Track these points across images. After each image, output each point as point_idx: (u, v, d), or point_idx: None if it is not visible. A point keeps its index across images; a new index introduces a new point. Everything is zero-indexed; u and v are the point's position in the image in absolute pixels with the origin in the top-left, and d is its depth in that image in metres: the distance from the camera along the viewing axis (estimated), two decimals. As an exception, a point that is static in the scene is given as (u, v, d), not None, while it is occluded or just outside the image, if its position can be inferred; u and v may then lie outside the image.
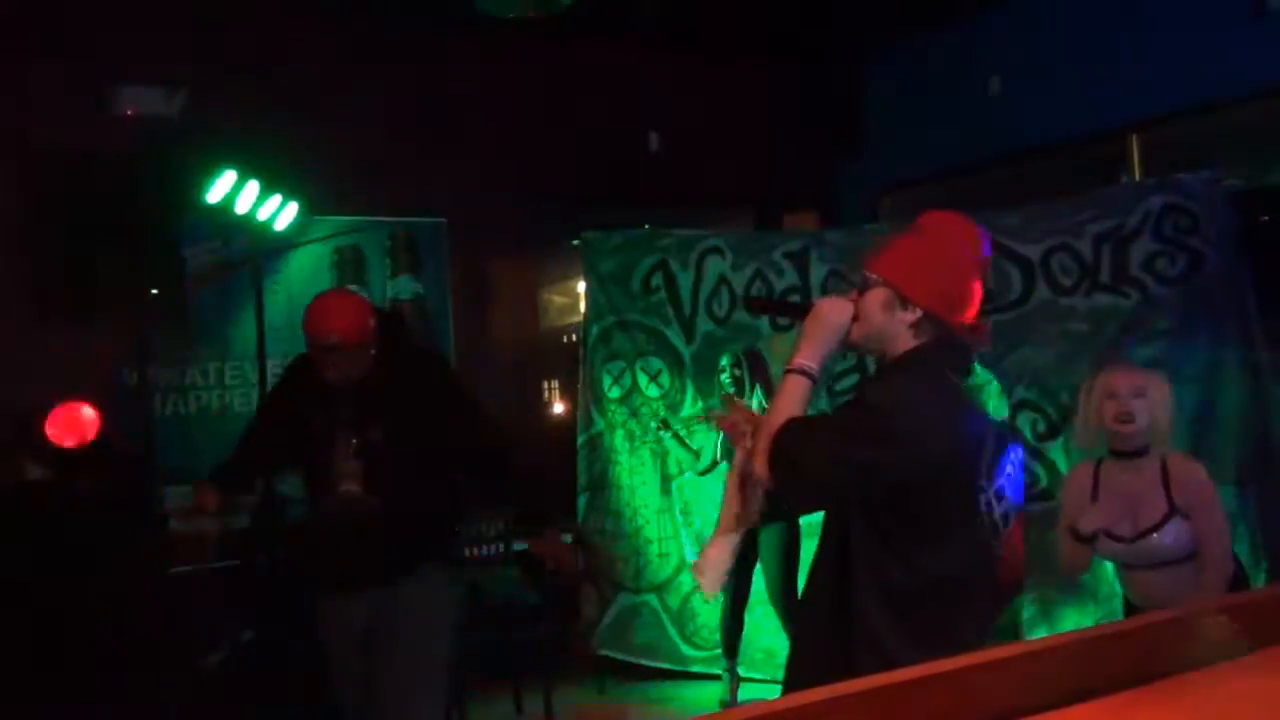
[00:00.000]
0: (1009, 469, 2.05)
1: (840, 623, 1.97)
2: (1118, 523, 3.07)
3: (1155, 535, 3.02)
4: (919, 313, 2.02)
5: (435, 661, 3.24)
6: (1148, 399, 3.07)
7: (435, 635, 3.23)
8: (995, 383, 2.14)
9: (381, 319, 3.23)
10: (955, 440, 1.97)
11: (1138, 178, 5.45)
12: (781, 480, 2.00)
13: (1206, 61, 4.97)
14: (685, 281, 5.39)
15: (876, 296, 2.06)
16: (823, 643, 2.02)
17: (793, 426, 1.99)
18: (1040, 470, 4.44)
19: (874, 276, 2.08)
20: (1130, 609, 3.24)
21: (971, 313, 2.08)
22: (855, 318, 2.07)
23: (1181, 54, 5.08)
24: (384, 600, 3.17)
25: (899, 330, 2.04)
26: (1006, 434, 2.06)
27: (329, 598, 3.29)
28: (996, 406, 2.10)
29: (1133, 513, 3.07)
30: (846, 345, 2.12)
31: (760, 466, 2.01)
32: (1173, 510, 3.01)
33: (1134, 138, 5.54)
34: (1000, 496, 2.01)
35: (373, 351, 3.14)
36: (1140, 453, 3.08)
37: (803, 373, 2.05)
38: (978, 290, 2.10)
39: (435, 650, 3.24)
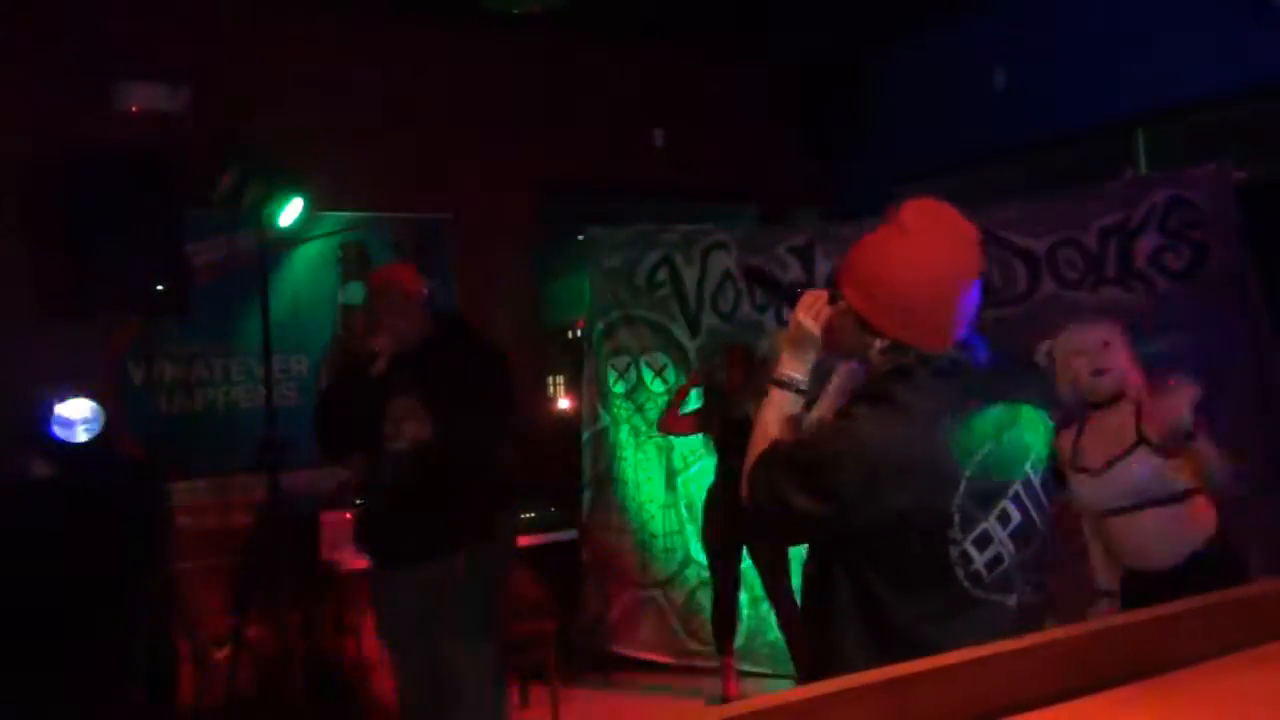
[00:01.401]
0: (1011, 510, 1.79)
1: (820, 642, 1.87)
2: (1091, 460, 3.13)
3: (1123, 462, 3.04)
4: (888, 340, 1.84)
5: (489, 637, 3.43)
6: (1113, 349, 3.15)
7: (487, 611, 3.41)
8: (1035, 412, 1.93)
9: (442, 316, 3.61)
10: (909, 496, 1.72)
11: (1143, 171, 5.43)
12: (750, 512, 1.89)
13: (1212, 55, 4.95)
14: (690, 276, 5.39)
15: (846, 318, 1.88)
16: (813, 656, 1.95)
17: (766, 457, 1.86)
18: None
19: (842, 299, 1.89)
20: (1131, 580, 3.20)
21: (956, 333, 1.87)
22: (826, 328, 1.92)
23: (1187, 47, 5.07)
24: (442, 572, 3.30)
25: (871, 354, 1.87)
26: (1005, 472, 1.79)
27: (387, 572, 3.47)
28: (1031, 441, 1.88)
29: (1104, 448, 3.11)
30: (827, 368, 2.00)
31: (744, 490, 1.90)
32: (1141, 439, 3.03)
33: (1139, 131, 5.53)
34: (987, 541, 1.76)
35: (417, 317, 3.43)
36: (1115, 399, 3.15)
37: (786, 384, 1.94)
38: (964, 306, 1.87)
39: (489, 627, 3.43)
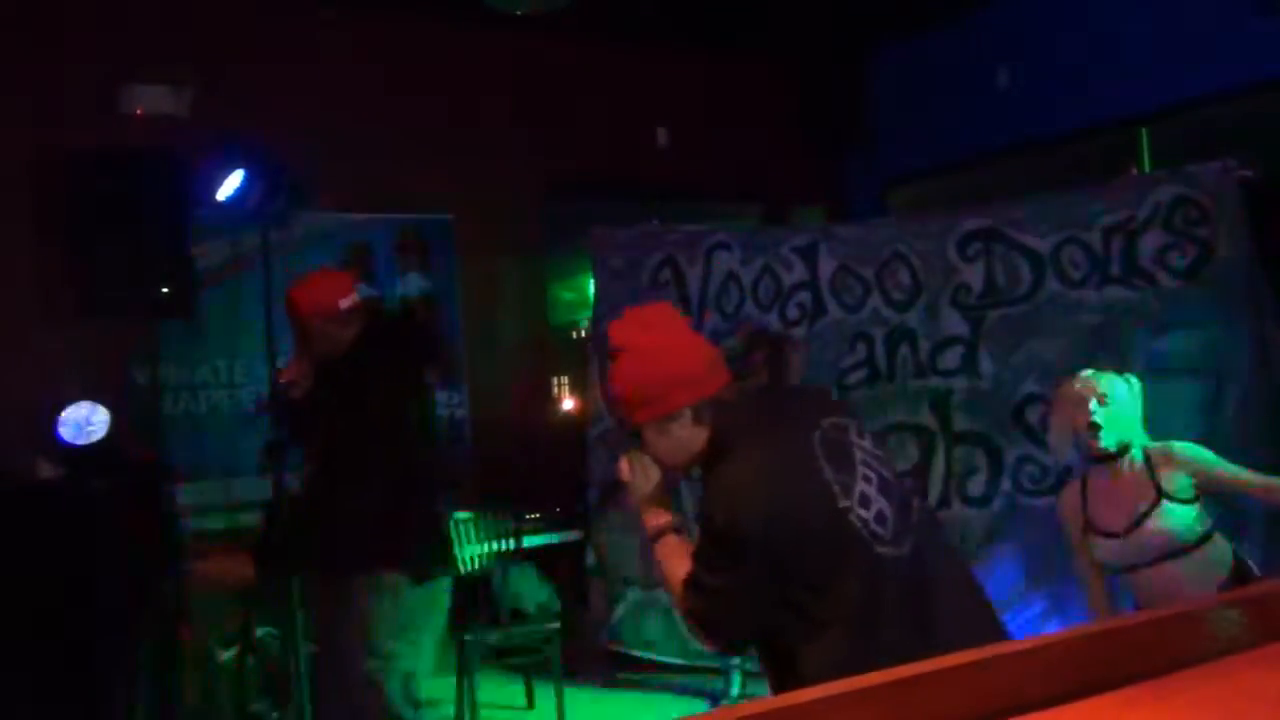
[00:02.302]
0: (866, 462, 2.01)
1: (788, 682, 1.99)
2: (1111, 523, 3.06)
3: (1149, 522, 3.00)
4: (685, 413, 2.04)
5: (355, 673, 3.16)
6: (1111, 403, 3.06)
7: (355, 646, 3.16)
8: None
9: (382, 310, 3.40)
10: (793, 505, 1.94)
11: (1148, 170, 5.42)
12: (708, 637, 2.06)
13: (1216, 52, 4.94)
14: (694, 277, 5.39)
15: (652, 438, 2.09)
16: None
17: (688, 589, 2.02)
18: (1050, 464, 4.42)
19: (633, 428, 2.12)
20: None
21: (723, 375, 2.09)
22: (663, 465, 2.13)
23: (1191, 45, 5.06)
24: (334, 594, 3.17)
25: (690, 436, 2.06)
26: (846, 430, 2.03)
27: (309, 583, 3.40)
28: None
29: (1124, 509, 3.05)
30: (677, 479, 2.22)
31: (695, 631, 2.06)
32: (1161, 495, 3.00)
33: (1144, 130, 5.52)
34: (867, 500, 1.96)
35: (351, 328, 3.23)
36: (1119, 454, 3.07)
37: (665, 530, 2.14)
38: (710, 354, 2.12)
39: (356, 663, 3.16)
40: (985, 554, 4.49)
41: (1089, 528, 3.13)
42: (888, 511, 1.96)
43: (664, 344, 2.07)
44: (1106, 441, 3.05)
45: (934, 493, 4.62)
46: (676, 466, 2.14)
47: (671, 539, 2.13)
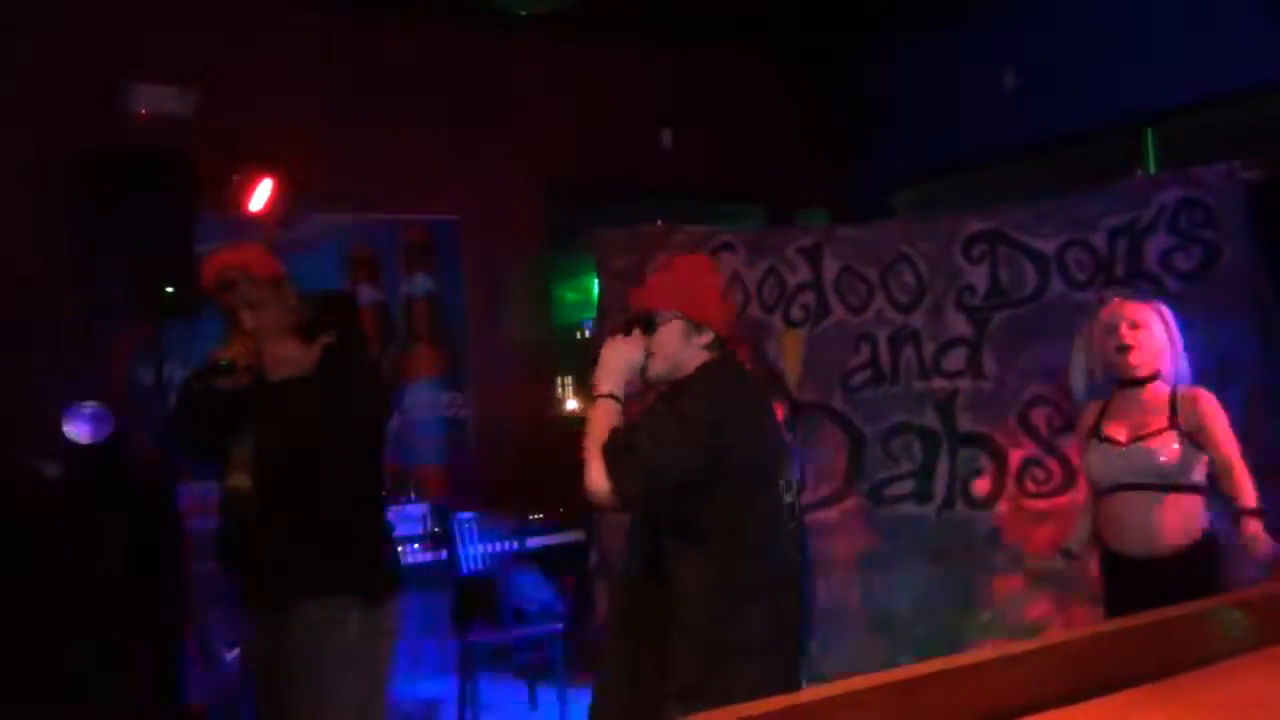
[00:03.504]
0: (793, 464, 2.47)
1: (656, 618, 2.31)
2: (1116, 433, 3.15)
3: (1151, 442, 3.06)
4: (710, 334, 2.38)
5: (345, 706, 2.73)
6: (1148, 330, 3.17)
7: (339, 676, 2.71)
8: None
9: (329, 298, 2.99)
10: (764, 444, 2.35)
11: (1153, 171, 5.41)
12: (617, 474, 2.23)
13: (1222, 53, 4.93)
14: (698, 278, 5.38)
15: (672, 330, 2.38)
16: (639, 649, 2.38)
17: (617, 433, 2.26)
18: (1055, 466, 4.42)
19: (665, 313, 2.39)
20: (1112, 561, 3.22)
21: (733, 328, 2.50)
22: (650, 353, 2.38)
23: (1196, 46, 5.05)
24: (281, 622, 2.72)
25: (694, 353, 2.38)
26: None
27: (241, 610, 2.90)
28: None
29: (1133, 423, 3.13)
30: (643, 381, 2.43)
31: (593, 481, 2.26)
32: (1173, 425, 3.06)
33: (1149, 131, 5.51)
34: (791, 485, 2.39)
35: (283, 300, 2.82)
36: (1148, 380, 3.16)
37: (610, 397, 2.35)
38: (732, 309, 2.56)
39: (343, 694, 2.72)
40: (989, 556, 4.48)
41: (1094, 433, 3.21)
42: (796, 510, 2.42)
43: (716, 277, 2.57)
44: (1136, 361, 3.14)
45: (938, 494, 4.61)
46: (660, 373, 2.38)
47: (614, 405, 2.32)
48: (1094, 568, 3.42)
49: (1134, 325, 3.17)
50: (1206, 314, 4.15)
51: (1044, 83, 5.80)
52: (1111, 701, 1.03)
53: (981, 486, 4.56)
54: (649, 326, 2.36)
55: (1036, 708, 1.00)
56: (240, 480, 2.72)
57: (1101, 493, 3.24)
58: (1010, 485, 4.50)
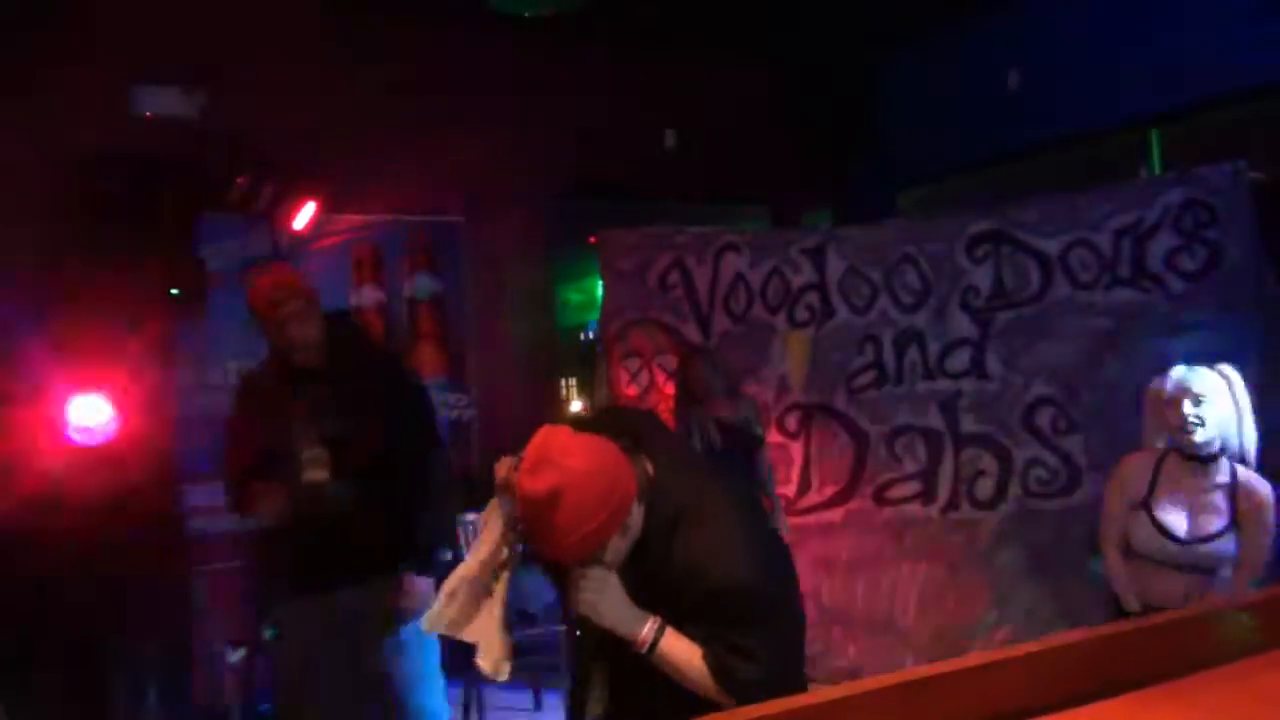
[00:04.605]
0: None
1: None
2: (1175, 523, 3.02)
3: (1216, 543, 2.95)
4: (634, 505, 1.90)
5: (431, 661, 3.14)
6: (1216, 404, 2.99)
7: (417, 642, 3.08)
8: None
9: (334, 316, 3.24)
10: (771, 551, 2.05)
11: (1157, 172, 5.41)
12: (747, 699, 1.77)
13: (1226, 54, 4.93)
14: (702, 278, 5.38)
15: (614, 545, 1.90)
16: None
17: (735, 663, 1.86)
18: (1059, 466, 4.42)
19: (601, 552, 1.90)
20: (1124, 614, 3.14)
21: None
22: (617, 559, 1.93)
23: (1200, 47, 5.04)
24: (361, 599, 3.04)
25: (639, 520, 1.92)
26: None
27: (300, 598, 3.11)
28: None
29: (1191, 515, 3.01)
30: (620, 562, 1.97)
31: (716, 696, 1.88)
32: (1232, 521, 2.96)
33: (1153, 132, 5.51)
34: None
35: (318, 314, 3.09)
36: (1209, 459, 3.01)
37: (660, 632, 1.91)
38: (625, 467, 1.93)
39: (428, 651, 3.13)
40: (993, 556, 4.48)
41: (1147, 507, 3.05)
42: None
43: (584, 456, 1.87)
44: (1200, 438, 2.97)
45: (942, 495, 4.61)
46: (623, 558, 1.94)
47: (670, 634, 1.91)
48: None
49: (1197, 401, 2.98)
50: (1210, 314, 4.16)
51: (1048, 83, 5.79)
52: (1118, 703, 1.03)
53: (985, 487, 4.56)
54: (596, 560, 1.92)
55: (1042, 709, 1.00)
56: (318, 474, 2.94)
57: (1139, 555, 3.11)
58: (1014, 486, 4.50)
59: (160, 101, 5.00)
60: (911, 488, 4.67)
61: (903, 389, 4.76)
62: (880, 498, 4.71)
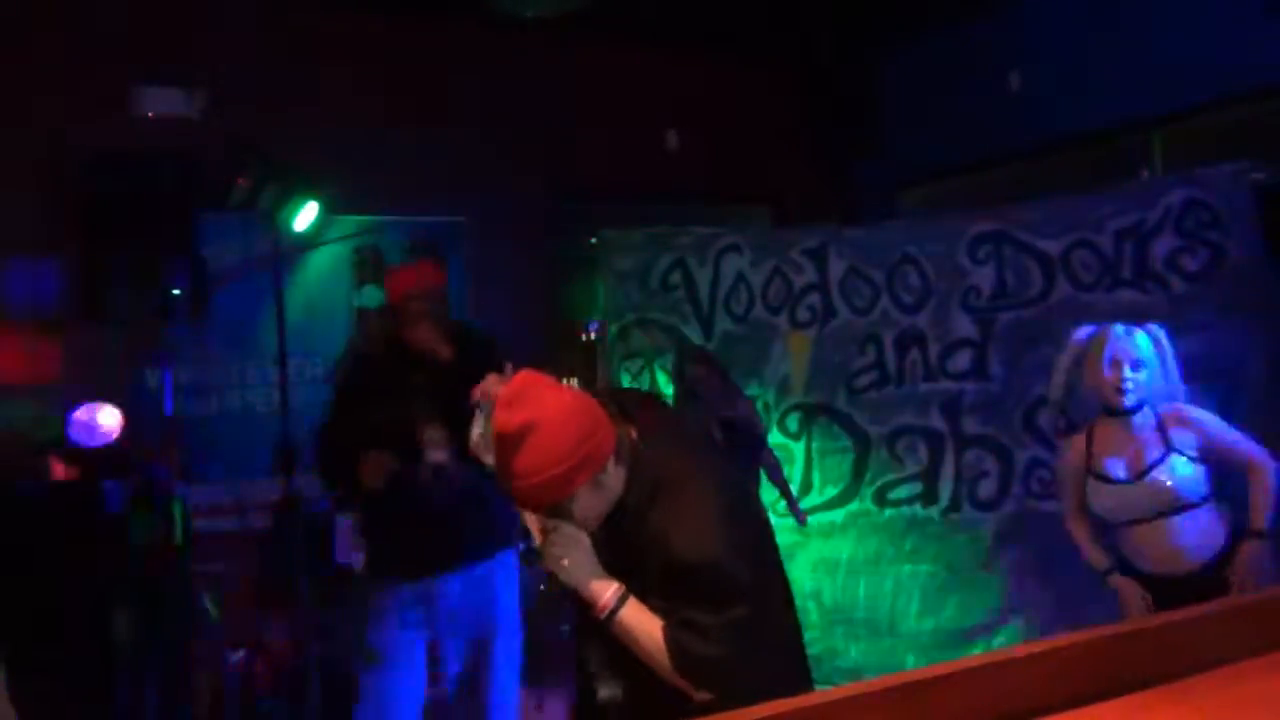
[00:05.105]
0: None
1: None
2: (1117, 470, 3.15)
3: (1156, 472, 3.06)
4: (610, 463, 1.91)
5: (518, 645, 3.51)
6: (1144, 368, 3.17)
7: (516, 621, 3.47)
8: None
9: (464, 324, 3.62)
10: (753, 532, 2.03)
11: (1159, 172, 5.40)
12: (720, 681, 1.86)
13: (1228, 55, 4.92)
14: (703, 279, 5.38)
15: (585, 500, 1.92)
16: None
17: (691, 640, 1.85)
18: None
19: (566, 502, 1.91)
20: (1142, 580, 3.22)
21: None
22: (588, 526, 1.95)
23: (1203, 47, 5.04)
24: (479, 584, 3.32)
25: (617, 480, 1.94)
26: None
27: (410, 584, 3.33)
28: None
29: (1128, 461, 3.14)
30: (596, 524, 1.99)
31: (690, 680, 1.88)
32: (1169, 450, 3.08)
33: (1155, 132, 5.50)
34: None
35: (446, 307, 3.42)
36: (1134, 409, 3.18)
37: (622, 600, 1.92)
38: (605, 422, 1.95)
39: (518, 635, 3.50)
40: (995, 558, 4.48)
41: (1092, 472, 3.20)
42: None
43: (562, 400, 1.91)
44: (1130, 401, 3.15)
45: (944, 496, 4.61)
46: (599, 520, 1.96)
47: (633, 604, 1.91)
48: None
49: (1136, 366, 3.18)
50: (1213, 315, 4.15)
51: (1049, 84, 5.79)
52: (1121, 704, 1.02)
53: (987, 488, 4.55)
54: (563, 512, 1.93)
55: (1045, 710, 1.00)
56: (440, 454, 3.09)
57: (1114, 526, 3.24)
58: (1016, 487, 4.49)
59: (160, 101, 5.00)
60: (913, 489, 4.67)
61: (904, 390, 4.75)
62: (881, 499, 4.70)
